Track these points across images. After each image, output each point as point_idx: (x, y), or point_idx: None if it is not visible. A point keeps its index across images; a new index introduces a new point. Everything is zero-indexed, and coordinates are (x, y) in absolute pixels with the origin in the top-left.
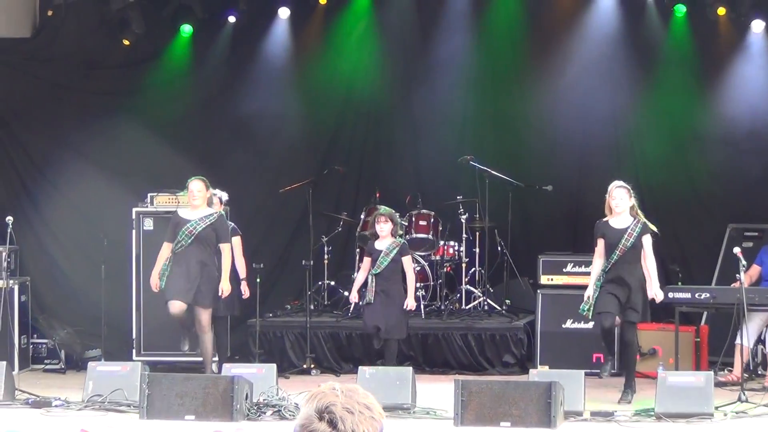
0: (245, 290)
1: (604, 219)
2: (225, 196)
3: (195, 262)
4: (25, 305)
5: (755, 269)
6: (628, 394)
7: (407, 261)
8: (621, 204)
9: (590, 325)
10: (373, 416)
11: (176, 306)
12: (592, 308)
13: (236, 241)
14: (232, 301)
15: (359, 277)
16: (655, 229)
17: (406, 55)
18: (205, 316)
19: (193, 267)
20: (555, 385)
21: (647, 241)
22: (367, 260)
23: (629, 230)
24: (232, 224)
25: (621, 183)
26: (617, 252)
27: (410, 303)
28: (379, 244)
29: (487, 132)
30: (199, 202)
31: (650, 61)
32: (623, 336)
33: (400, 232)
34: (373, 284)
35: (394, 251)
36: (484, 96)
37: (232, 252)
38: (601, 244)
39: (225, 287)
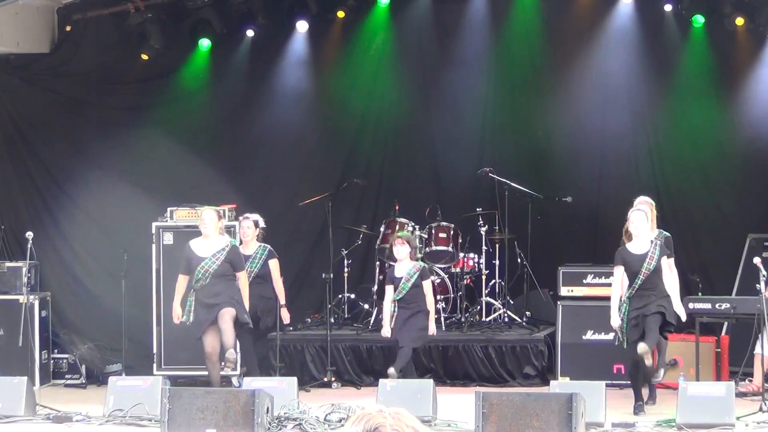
0: (286, 316)
1: (623, 246)
2: (261, 221)
3: (214, 295)
4: (46, 320)
5: None
6: (650, 401)
7: (427, 285)
8: (640, 227)
9: (611, 336)
10: None
11: (211, 346)
12: (625, 339)
13: (273, 264)
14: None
15: (386, 308)
16: (667, 233)
17: (425, 67)
18: (226, 317)
19: (213, 299)
20: (576, 396)
21: (665, 262)
22: (389, 288)
23: (650, 254)
24: (269, 247)
25: (639, 207)
26: (641, 277)
27: (431, 328)
28: (399, 270)
29: (506, 144)
30: (209, 231)
31: (669, 72)
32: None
33: (419, 255)
34: (396, 310)
35: (415, 276)
36: (503, 108)
37: (271, 275)
38: (619, 271)
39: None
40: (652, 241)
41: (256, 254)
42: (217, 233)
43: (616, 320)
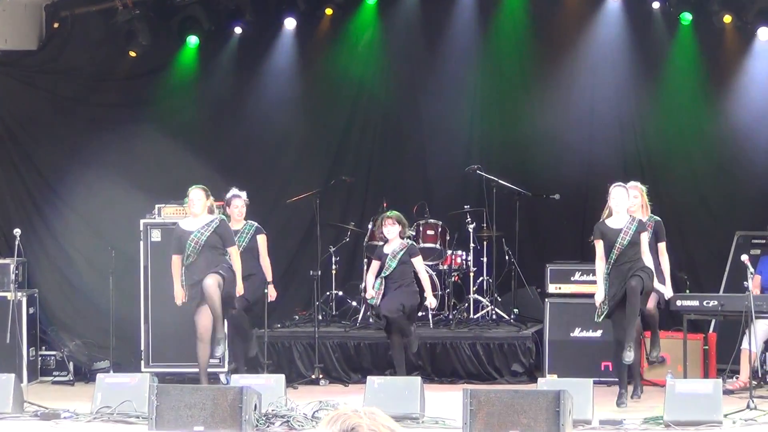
0: (272, 293)
1: (602, 220)
2: (244, 195)
3: (206, 272)
4: (34, 317)
5: (756, 278)
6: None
7: (417, 261)
8: (620, 203)
9: (598, 333)
10: None
11: (204, 328)
12: (604, 310)
13: (261, 239)
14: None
15: (369, 278)
16: (658, 218)
17: (413, 64)
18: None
19: (201, 275)
20: (563, 393)
21: (644, 237)
22: (375, 263)
23: (625, 229)
24: (256, 223)
25: (621, 183)
26: (614, 252)
27: (431, 301)
28: (387, 247)
29: (494, 141)
30: (198, 210)
31: (656, 70)
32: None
33: (410, 233)
34: (382, 287)
35: (401, 253)
36: (491, 105)
37: (258, 252)
38: (599, 245)
39: (240, 289)
40: (634, 218)
41: (243, 230)
42: (206, 212)
43: (599, 295)
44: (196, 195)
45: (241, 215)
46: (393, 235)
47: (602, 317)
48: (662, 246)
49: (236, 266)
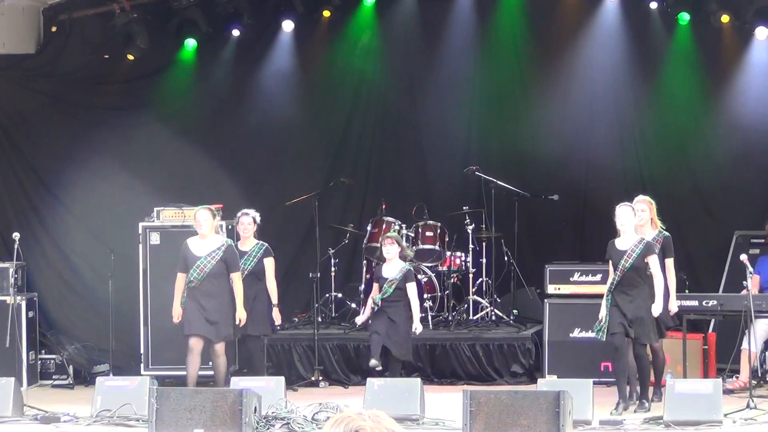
0: (277, 317)
1: (614, 239)
2: (258, 217)
3: (208, 297)
4: (33, 321)
5: (755, 278)
6: (644, 404)
7: (411, 288)
8: (626, 223)
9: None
10: None
11: (195, 342)
12: (604, 330)
13: (269, 263)
14: (265, 321)
15: (369, 303)
16: (667, 233)
17: (411, 66)
18: (217, 346)
19: (206, 302)
20: (563, 394)
21: (653, 261)
22: (375, 286)
23: (629, 251)
24: (266, 245)
25: (627, 203)
26: (618, 273)
27: (417, 327)
28: (386, 270)
29: (493, 142)
30: (205, 231)
31: (655, 70)
32: (633, 351)
33: (410, 253)
34: (379, 305)
35: (399, 279)
36: (490, 106)
37: (265, 274)
38: (610, 264)
39: (241, 315)
40: (641, 240)
41: (252, 251)
42: (213, 232)
43: (602, 311)
44: (203, 216)
45: (248, 233)
46: (392, 255)
47: (602, 334)
48: (669, 262)
49: (238, 293)
